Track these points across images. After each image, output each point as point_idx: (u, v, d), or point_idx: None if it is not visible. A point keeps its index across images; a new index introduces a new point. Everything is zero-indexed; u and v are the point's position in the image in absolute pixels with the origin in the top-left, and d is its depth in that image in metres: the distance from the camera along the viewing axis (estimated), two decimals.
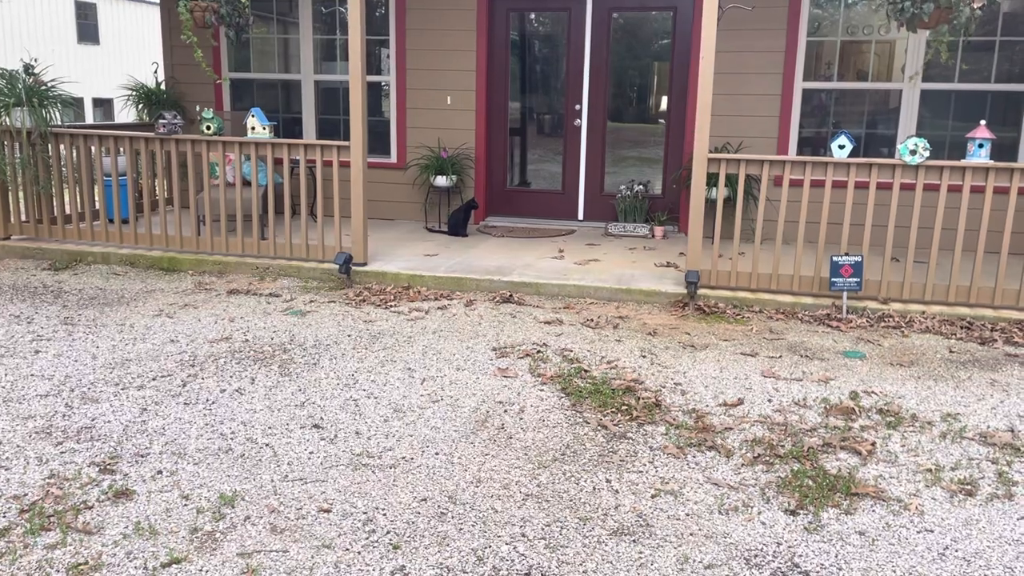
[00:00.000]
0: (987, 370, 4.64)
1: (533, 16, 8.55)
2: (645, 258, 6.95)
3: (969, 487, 3.27)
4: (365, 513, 3.00)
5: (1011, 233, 5.49)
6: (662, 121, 8.30)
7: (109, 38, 26.68)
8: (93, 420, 3.73)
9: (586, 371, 4.44)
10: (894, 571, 2.72)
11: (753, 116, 7.61)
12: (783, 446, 3.58)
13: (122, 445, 3.49)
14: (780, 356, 4.79)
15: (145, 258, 6.68)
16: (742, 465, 3.42)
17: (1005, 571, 2.74)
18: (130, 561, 2.68)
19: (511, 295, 5.91)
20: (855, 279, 5.56)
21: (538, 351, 4.76)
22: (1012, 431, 3.80)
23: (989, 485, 3.30)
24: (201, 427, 3.68)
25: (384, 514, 2.99)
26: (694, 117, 6.00)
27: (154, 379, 4.24)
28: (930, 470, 3.41)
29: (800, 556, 2.79)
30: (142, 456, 3.40)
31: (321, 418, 3.80)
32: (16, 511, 2.96)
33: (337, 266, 6.24)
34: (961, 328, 5.33)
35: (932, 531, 2.96)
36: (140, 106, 8.73)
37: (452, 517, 2.98)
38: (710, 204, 6.66)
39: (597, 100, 8.21)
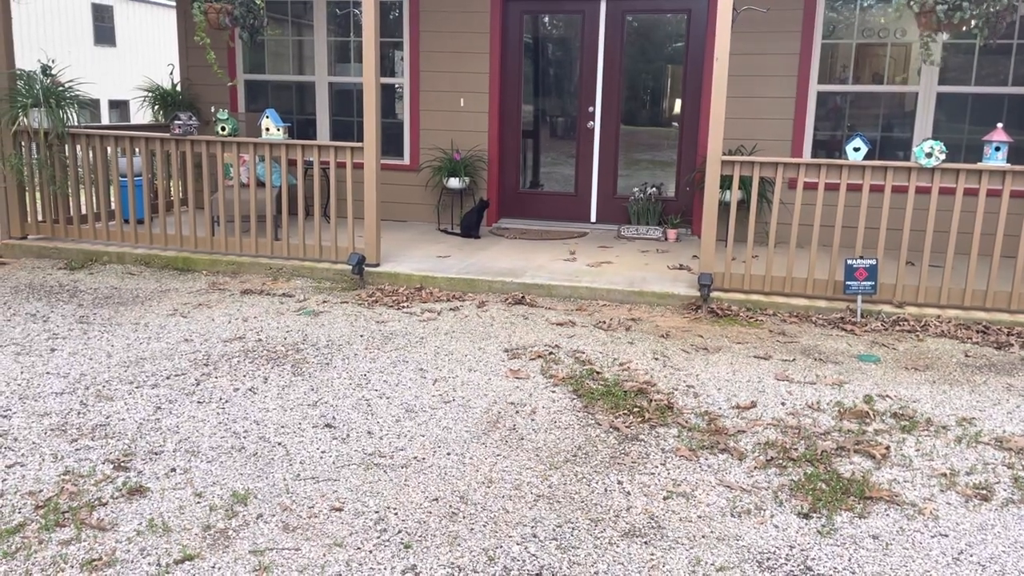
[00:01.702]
0: (1003, 374, 4.60)
1: (547, 18, 8.56)
2: (658, 261, 6.93)
3: (984, 492, 3.24)
4: (377, 512, 3.00)
5: None
6: (675, 124, 8.29)
7: (125, 40, 26.88)
8: (108, 418, 3.76)
9: (598, 373, 4.43)
10: (908, 575, 2.70)
11: (767, 119, 7.58)
12: (796, 449, 3.57)
13: (136, 443, 3.51)
14: (794, 359, 4.77)
15: (160, 258, 6.72)
16: (755, 468, 3.40)
17: None
18: (143, 557, 2.69)
19: (523, 297, 5.90)
20: (870, 282, 5.53)
21: (550, 353, 4.76)
22: None
23: (1005, 490, 3.27)
24: (214, 425, 3.70)
25: (396, 513, 3.00)
26: (708, 120, 5.99)
27: (168, 378, 4.26)
28: (945, 474, 3.38)
29: (813, 560, 2.77)
30: (156, 454, 3.42)
31: (333, 417, 3.81)
32: (31, 507, 2.98)
33: (350, 267, 6.26)
34: (977, 332, 5.29)
35: (947, 536, 2.94)
36: (156, 107, 8.80)
37: (463, 517, 2.98)
38: (724, 207, 6.64)
39: (610, 102, 8.21)
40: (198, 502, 3.04)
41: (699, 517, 3.02)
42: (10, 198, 7.02)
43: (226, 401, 3.98)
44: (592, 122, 8.28)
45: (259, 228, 6.67)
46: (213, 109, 8.15)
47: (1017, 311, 5.51)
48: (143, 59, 26.27)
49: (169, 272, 6.55)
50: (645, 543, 2.84)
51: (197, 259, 6.66)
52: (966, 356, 4.90)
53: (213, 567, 2.65)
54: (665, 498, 3.15)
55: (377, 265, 6.41)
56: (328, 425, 3.73)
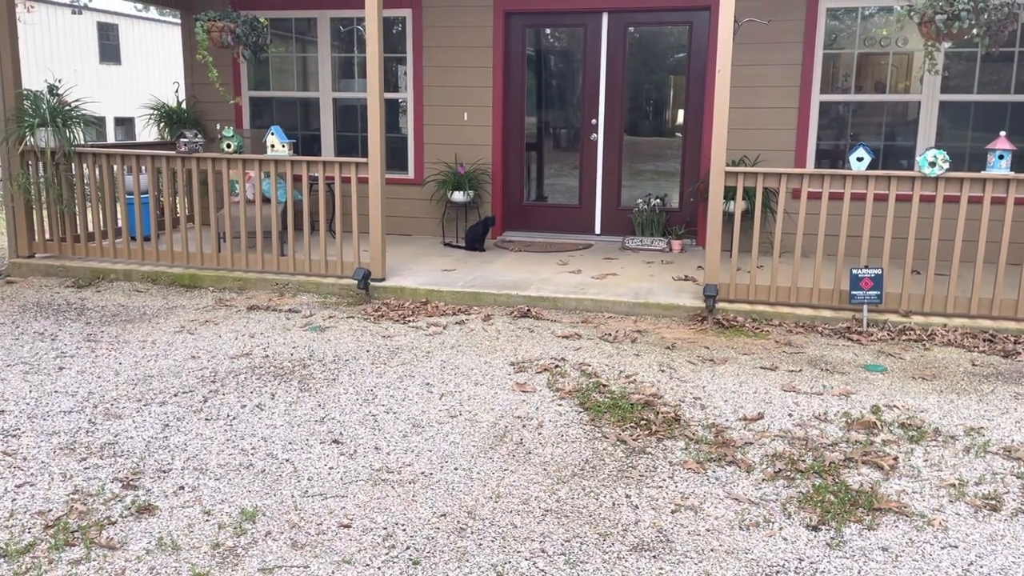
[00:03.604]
0: (1011, 383, 4.59)
1: (549, 32, 8.60)
2: (663, 272, 6.94)
3: (994, 502, 3.23)
4: (385, 528, 3.00)
5: None
6: (679, 134, 8.31)
7: (131, 58, 27.07)
8: (116, 436, 3.77)
9: (604, 386, 4.44)
10: None
11: (770, 129, 7.60)
12: (804, 461, 3.56)
13: (145, 461, 3.52)
14: (800, 370, 4.76)
15: (166, 275, 6.75)
16: (763, 480, 3.40)
17: None
18: None
19: (529, 310, 5.91)
20: (875, 292, 5.53)
21: (556, 366, 4.76)
22: None
23: (1014, 500, 3.26)
24: (222, 443, 3.71)
25: (404, 529, 3.00)
26: (711, 130, 6.00)
27: (176, 395, 4.28)
28: (954, 485, 3.37)
29: (823, 573, 2.76)
30: (164, 472, 3.43)
31: (341, 433, 3.82)
32: (41, 527, 2.99)
33: (356, 282, 6.28)
34: (984, 341, 5.28)
35: (956, 547, 2.93)
36: (161, 125, 8.85)
37: (471, 532, 2.98)
38: (728, 217, 6.65)
39: (613, 114, 8.24)
40: (207, 520, 3.05)
41: (708, 530, 3.02)
42: (18, 217, 7.06)
43: (234, 418, 3.99)
44: (595, 134, 8.31)
45: (265, 244, 6.69)
46: (218, 126, 8.20)
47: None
48: (148, 77, 26.47)
49: (176, 289, 6.58)
50: (654, 557, 2.84)
51: (203, 276, 6.69)
52: (973, 365, 4.89)
53: None
54: (673, 511, 3.15)
55: (383, 280, 6.43)
56: (335, 441, 3.74)
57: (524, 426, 3.92)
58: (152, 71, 27.09)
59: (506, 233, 8.64)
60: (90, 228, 7.17)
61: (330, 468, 3.47)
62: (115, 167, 6.90)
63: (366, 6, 6.02)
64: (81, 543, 2.88)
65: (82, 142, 6.92)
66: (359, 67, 8.71)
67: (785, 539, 2.96)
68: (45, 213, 7.13)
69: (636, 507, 3.17)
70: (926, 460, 3.60)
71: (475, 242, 7.74)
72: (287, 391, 4.35)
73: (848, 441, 3.78)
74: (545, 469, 3.48)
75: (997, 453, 3.68)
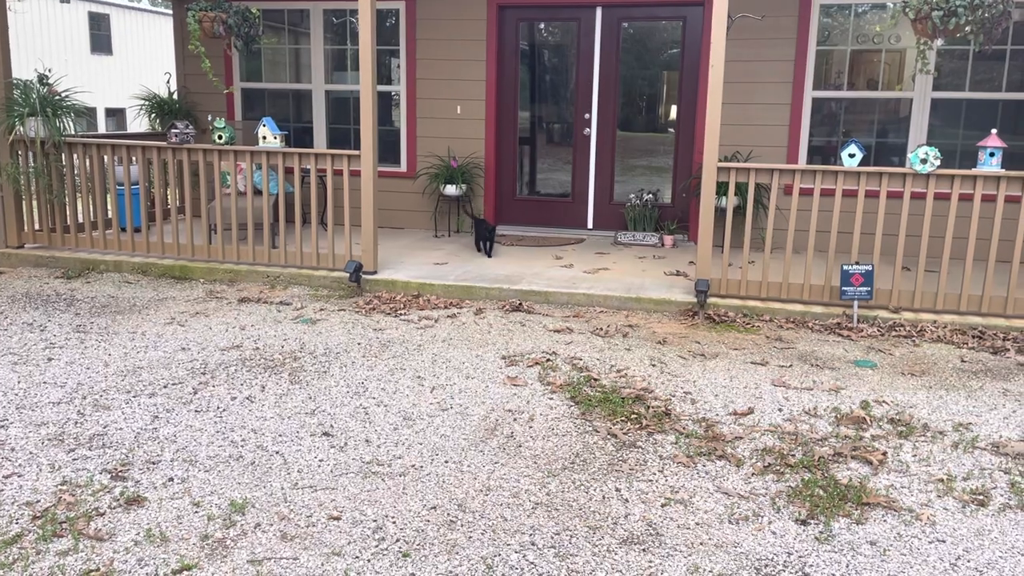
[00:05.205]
0: (999, 379, 4.61)
1: (543, 25, 8.58)
2: (655, 267, 6.94)
3: (981, 497, 3.25)
4: (375, 521, 3.00)
5: (1023, 242, 5.46)
6: (671, 130, 8.31)
7: (122, 48, 26.90)
8: (105, 427, 3.75)
9: (595, 380, 4.44)
10: None
11: (763, 125, 7.60)
12: (794, 455, 3.57)
13: (133, 452, 3.51)
14: (790, 365, 4.78)
15: (157, 266, 6.72)
16: (752, 474, 3.41)
17: None
18: (141, 568, 2.69)
19: (520, 303, 5.91)
20: (866, 288, 5.55)
21: (547, 360, 4.76)
22: None
23: (1001, 495, 3.28)
24: (212, 434, 3.70)
25: (394, 522, 3.00)
26: (704, 126, 6.01)
27: (165, 387, 4.26)
28: (942, 480, 3.39)
29: (811, 566, 2.77)
30: (153, 463, 3.42)
31: (331, 426, 3.81)
32: (29, 517, 2.98)
33: (347, 274, 6.26)
34: (973, 337, 5.31)
35: (944, 541, 2.95)
36: (152, 116, 8.80)
37: (462, 525, 2.98)
38: (720, 213, 6.65)
39: (606, 109, 8.23)
40: (196, 511, 3.04)
41: (697, 524, 3.03)
42: (7, 207, 7.01)
43: (223, 410, 3.98)
44: (588, 128, 8.30)
45: (256, 236, 6.67)
46: (210, 117, 8.16)
47: (1013, 316, 5.52)
48: (139, 67, 26.30)
49: (166, 281, 6.56)
50: (643, 550, 2.85)
51: (194, 267, 6.67)
52: (962, 361, 4.92)
53: None
54: (663, 505, 3.15)
55: (374, 273, 6.41)
56: (326, 433, 3.73)
57: (515, 419, 3.92)
58: (143, 62, 26.92)
59: (498, 227, 8.62)
60: (80, 219, 7.13)
61: (320, 460, 3.47)
62: (105, 157, 6.87)
63: None
64: (69, 534, 2.87)
65: (72, 132, 6.87)
66: (352, 59, 8.68)
67: (774, 533, 2.97)
68: (35, 203, 7.09)
69: (626, 500, 3.18)
70: (915, 455, 3.62)
71: (478, 240, 7.59)
72: (277, 383, 4.34)
73: (837, 436, 3.79)
74: (535, 462, 3.48)
75: (985, 449, 3.70)
